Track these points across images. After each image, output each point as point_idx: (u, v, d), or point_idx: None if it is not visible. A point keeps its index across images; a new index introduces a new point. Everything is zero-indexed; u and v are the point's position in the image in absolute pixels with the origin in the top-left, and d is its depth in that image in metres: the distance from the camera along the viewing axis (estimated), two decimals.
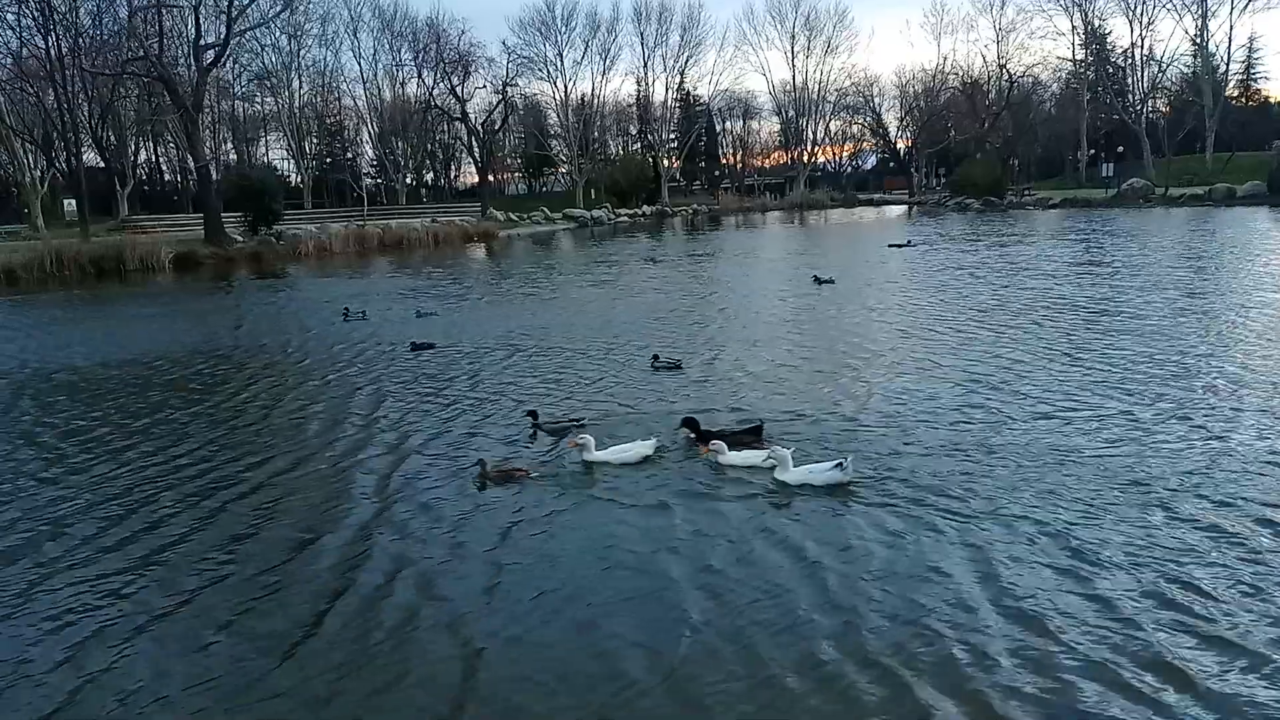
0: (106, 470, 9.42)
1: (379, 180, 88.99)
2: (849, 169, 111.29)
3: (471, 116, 77.55)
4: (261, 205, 47.44)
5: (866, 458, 8.51)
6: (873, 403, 10.76)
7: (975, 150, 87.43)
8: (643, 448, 8.88)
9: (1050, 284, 21.06)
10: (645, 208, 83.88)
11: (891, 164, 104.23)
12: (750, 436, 9.14)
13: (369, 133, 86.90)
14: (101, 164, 63.11)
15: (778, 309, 19.59)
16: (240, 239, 45.66)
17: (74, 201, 53.83)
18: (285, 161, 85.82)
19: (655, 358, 13.81)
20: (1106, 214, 49.91)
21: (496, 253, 45.39)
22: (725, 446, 8.63)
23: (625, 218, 76.68)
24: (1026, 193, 72.09)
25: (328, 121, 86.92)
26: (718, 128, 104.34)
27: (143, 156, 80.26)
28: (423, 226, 51.99)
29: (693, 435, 9.26)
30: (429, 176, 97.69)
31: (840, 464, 7.79)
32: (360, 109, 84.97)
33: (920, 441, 9.04)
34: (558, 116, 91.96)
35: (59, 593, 6.48)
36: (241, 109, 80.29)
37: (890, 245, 34.75)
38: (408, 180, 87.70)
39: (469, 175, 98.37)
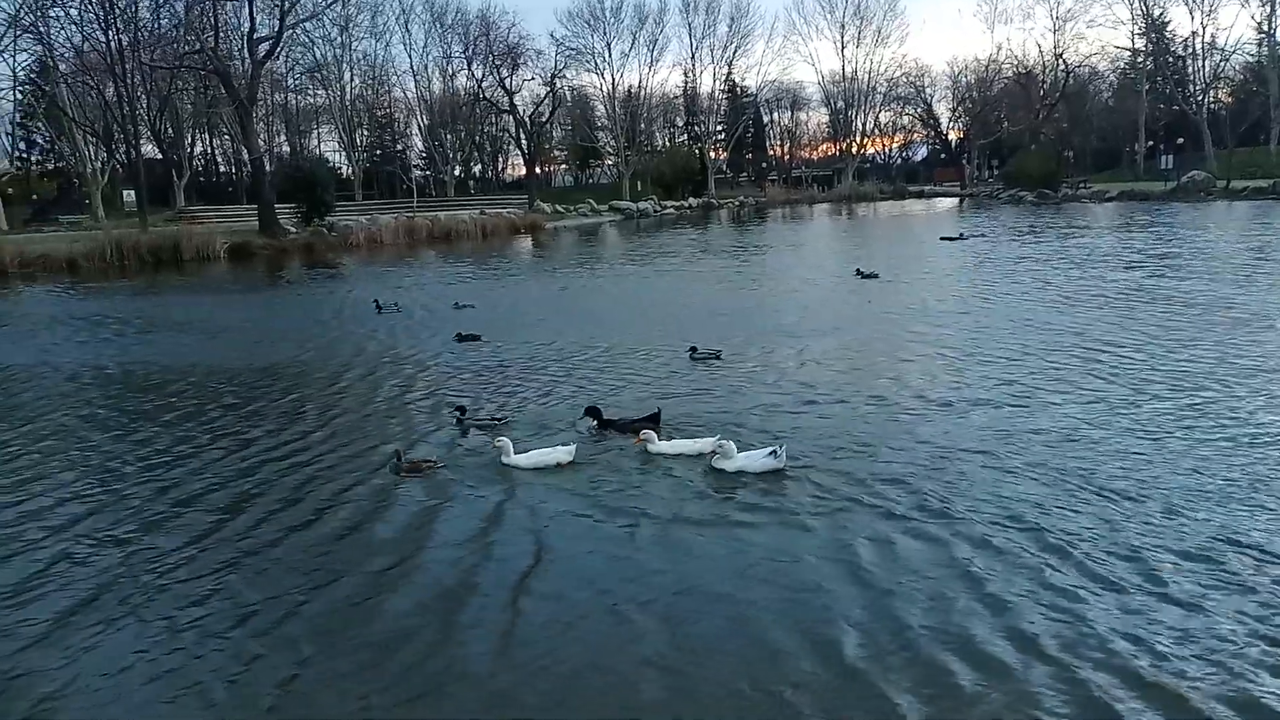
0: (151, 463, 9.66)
1: (428, 172, 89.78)
2: (899, 161, 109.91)
3: (519, 109, 77.90)
4: (314, 196, 48.14)
5: (875, 451, 8.45)
6: (900, 399, 10.64)
7: (1030, 142, 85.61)
8: (562, 453, 8.66)
9: (1111, 275, 20.61)
10: (691, 200, 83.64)
11: (943, 155, 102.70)
12: (648, 424, 9.36)
13: (418, 125, 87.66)
14: (159, 155, 64.50)
15: (819, 302, 19.45)
16: (293, 230, 46.38)
17: (133, 192, 55.09)
18: (337, 153, 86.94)
19: (694, 349, 13.80)
20: (1165, 207, 48.66)
21: (542, 244, 45.63)
22: (655, 435, 8.90)
23: (671, 210, 76.52)
24: (1082, 185, 70.51)
25: (378, 114, 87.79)
26: (765, 119, 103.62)
27: (199, 148, 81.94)
28: (470, 218, 52.42)
29: (595, 424, 9.70)
30: (477, 168, 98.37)
31: (774, 451, 8.11)
32: (410, 101, 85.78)
33: (937, 441, 8.92)
34: (605, 108, 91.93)
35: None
36: (294, 101, 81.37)
37: (942, 238, 34.27)
38: (456, 172, 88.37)
39: (516, 167, 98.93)
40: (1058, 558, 6.18)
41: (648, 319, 18.07)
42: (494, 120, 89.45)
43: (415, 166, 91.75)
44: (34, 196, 66.97)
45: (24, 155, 71.33)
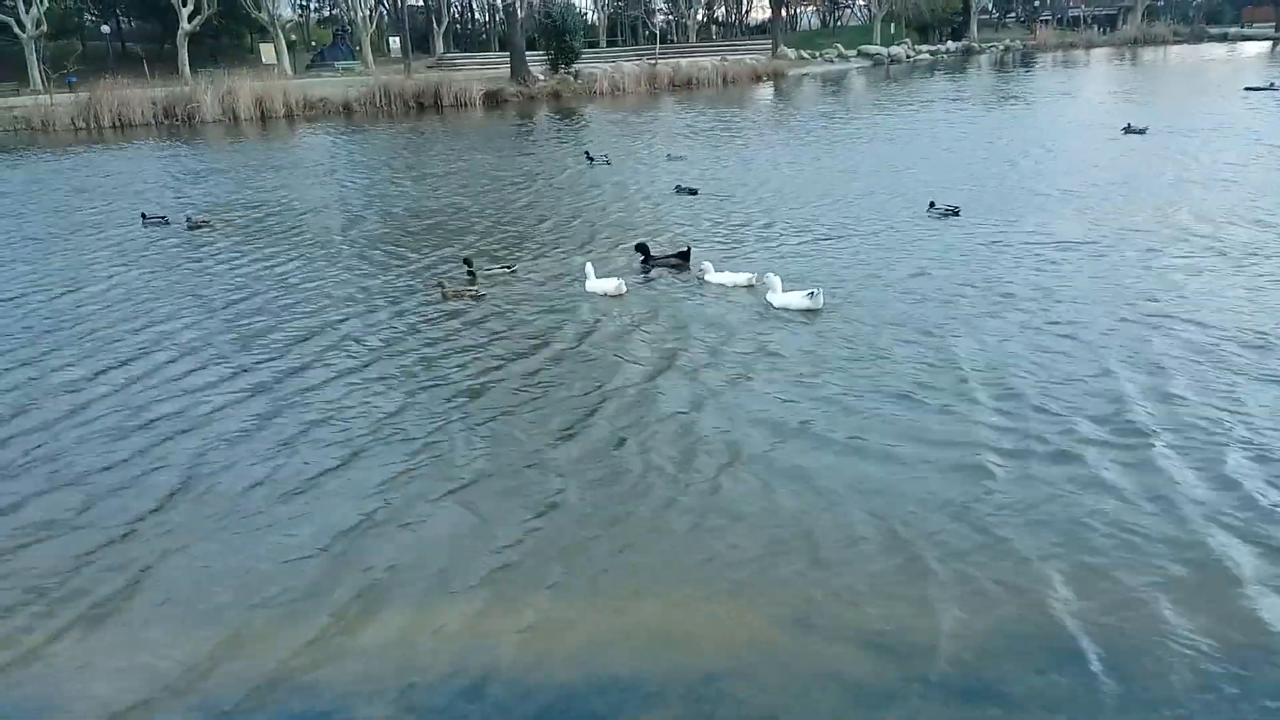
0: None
1: (670, 17, 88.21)
2: None
3: None
4: (562, 44, 48.86)
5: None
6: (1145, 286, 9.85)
7: None
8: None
9: None
10: (949, 44, 77.39)
11: None
12: (680, 259, 11.00)
13: None
14: (421, 3, 67.46)
15: (1077, 160, 17.91)
16: (541, 77, 47.57)
17: (397, 39, 58.29)
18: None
19: (932, 204, 13.34)
20: None
21: (783, 93, 44.27)
22: (712, 267, 10.27)
23: (926, 55, 71.24)
24: None
25: None
26: None
27: None
28: (711, 65, 51.47)
29: (644, 259, 11.20)
30: (720, 12, 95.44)
31: (811, 293, 9.07)
32: None
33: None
34: None
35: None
36: None
37: (1247, 89, 30.08)
38: (699, 17, 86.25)
39: (761, 10, 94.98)
40: None
41: (884, 172, 17.47)
42: None
43: (658, 10, 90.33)
44: (312, 44, 72.47)
45: (304, 4, 76.91)
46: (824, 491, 5.64)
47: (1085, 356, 7.59)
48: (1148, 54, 63.11)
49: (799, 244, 12.05)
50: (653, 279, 10.76)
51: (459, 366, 8.10)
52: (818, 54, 67.76)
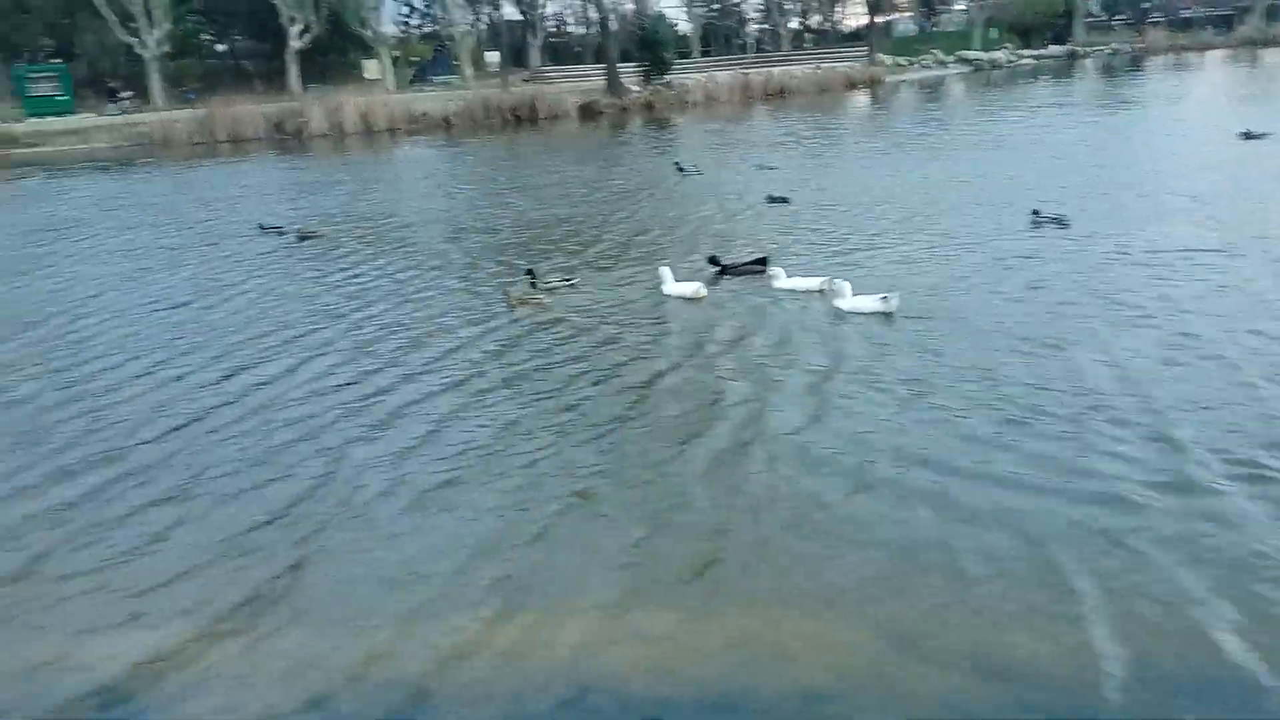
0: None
1: (763, 26, 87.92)
2: None
3: None
4: (655, 55, 49.22)
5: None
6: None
7: None
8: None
9: None
10: (1052, 48, 75.12)
11: None
12: (758, 265, 11.15)
13: None
14: (519, 17, 68.77)
15: (1187, 165, 17.25)
16: (635, 89, 48.00)
17: (495, 53, 59.63)
18: (676, 10, 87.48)
19: (1035, 212, 12.96)
20: None
21: (879, 100, 43.72)
22: (784, 273, 10.54)
23: (1028, 60, 69.34)
24: None
25: None
26: None
27: (550, 9, 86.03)
28: (804, 73, 51.17)
29: (717, 269, 11.36)
30: (814, 20, 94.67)
31: (885, 297, 9.12)
32: None
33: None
34: None
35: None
36: None
37: None
38: (792, 25, 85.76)
39: (856, 17, 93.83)
40: None
41: (985, 180, 17.08)
42: None
43: (751, 21, 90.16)
44: (413, 59, 74.56)
45: (406, 20, 79.18)
46: (951, 516, 5.41)
47: (1227, 376, 7.10)
48: (1268, 56, 60.03)
49: (895, 253, 11.88)
50: (729, 286, 10.88)
51: (556, 374, 8.26)
52: (914, 60, 66.68)
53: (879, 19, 78.83)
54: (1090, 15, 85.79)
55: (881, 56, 63.96)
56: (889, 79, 55.91)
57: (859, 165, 20.69)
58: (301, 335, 9.93)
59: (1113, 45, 75.86)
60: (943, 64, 66.62)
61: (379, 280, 12.42)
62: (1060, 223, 12.66)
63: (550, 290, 10.93)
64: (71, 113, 46.44)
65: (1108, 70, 55.91)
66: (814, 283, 10.27)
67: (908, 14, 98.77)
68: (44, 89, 47.71)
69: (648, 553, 5.30)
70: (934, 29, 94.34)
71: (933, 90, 48.73)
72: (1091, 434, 6.32)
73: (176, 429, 7.49)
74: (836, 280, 9.66)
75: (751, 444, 6.54)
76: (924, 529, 5.33)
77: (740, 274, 11.26)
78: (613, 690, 4.24)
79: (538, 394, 7.81)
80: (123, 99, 48.86)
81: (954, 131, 26.48)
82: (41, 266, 14.63)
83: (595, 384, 7.94)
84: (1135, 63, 61.94)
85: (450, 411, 7.50)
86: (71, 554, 5.64)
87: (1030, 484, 5.73)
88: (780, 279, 10.50)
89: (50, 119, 43.76)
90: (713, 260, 11.57)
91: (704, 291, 10.40)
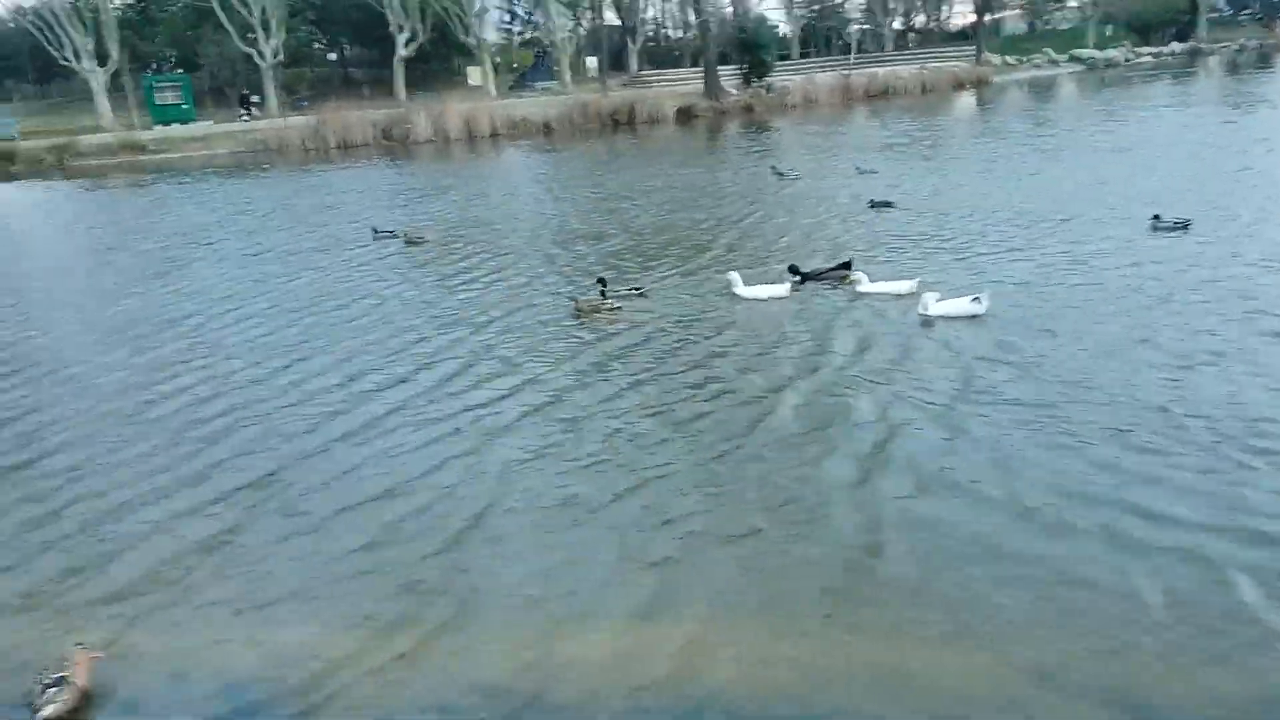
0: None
1: (865, 26, 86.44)
2: None
3: None
4: (755, 58, 48.87)
5: None
6: None
7: None
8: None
9: None
10: (1174, 45, 71.73)
11: None
12: (842, 270, 11.00)
13: None
14: (618, 22, 69.27)
15: None
16: (734, 92, 47.75)
17: (594, 59, 60.15)
18: (776, 11, 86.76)
19: (1156, 217, 12.33)
20: None
21: (986, 101, 42.43)
22: (866, 277, 10.49)
23: (1146, 58, 66.41)
24: None
25: None
26: None
27: (650, 13, 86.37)
28: (909, 74, 50.09)
29: (797, 278, 11.09)
30: (918, 19, 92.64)
31: (976, 299, 9.10)
32: None
33: None
34: None
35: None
36: None
37: None
38: (895, 25, 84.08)
39: (963, 15, 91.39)
40: None
41: (1100, 184, 16.37)
42: None
43: (853, 21, 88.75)
44: (514, 66, 75.85)
45: (508, 26, 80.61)
46: (1093, 552, 5.08)
47: None
48: None
49: (1006, 261, 11.46)
50: (812, 290, 10.80)
51: (663, 383, 8.23)
52: (1024, 59, 64.58)
53: (987, 17, 76.61)
54: (1215, 10, 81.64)
55: (989, 56, 62.15)
56: (997, 79, 54.28)
57: (966, 168, 20.06)
58: (415, 342, 10.06)
59: (1240, 41, 71.99)
60: (1055, 63, 64.30)
61: (483, 285, 12.59)
62: (1183, 228, 12.03)
63: (620, 299, 10.94)
64: (194, 120, 48.74)
65: (1233, 68, 53.05)
66: (903, 286, 10.21)
67: (1017, 11, 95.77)
68: (169, 98, 50.18)
69: (738, 569, 5.21)
70: (1045, 27, 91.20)
71: (1044, 91, 47.03)
72: (1243, 461, 5.91)
73: (306, 431, 7.68)
74: (925, 293, 9.50)
75: (873, 465, 6.35)
76: (1061, 563, 5.04)
77: (823, 280, 11.11)
78: (713, 706, 4.16)
79: (649, 406, 7.75)
80: (254, 104, 50.95)
81: (1066, 133, 25.46)
82: (178, 269, 15.29)
83: (705, 398, 7.80)
84: (1264, 59, 58.56)
85: (568, 420, 7.50)
86: (205, 557, 5.82)
87: (1178, 518, 5.36)
88: (864, 283, 10.41)
89: (174, 126, 46.02)
90: (792, 269, 11.35)
91: (784, 293, 10.50)
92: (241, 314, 11.96)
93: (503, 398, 8.12)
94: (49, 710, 4.29)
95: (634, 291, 11.22)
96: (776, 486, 6.12)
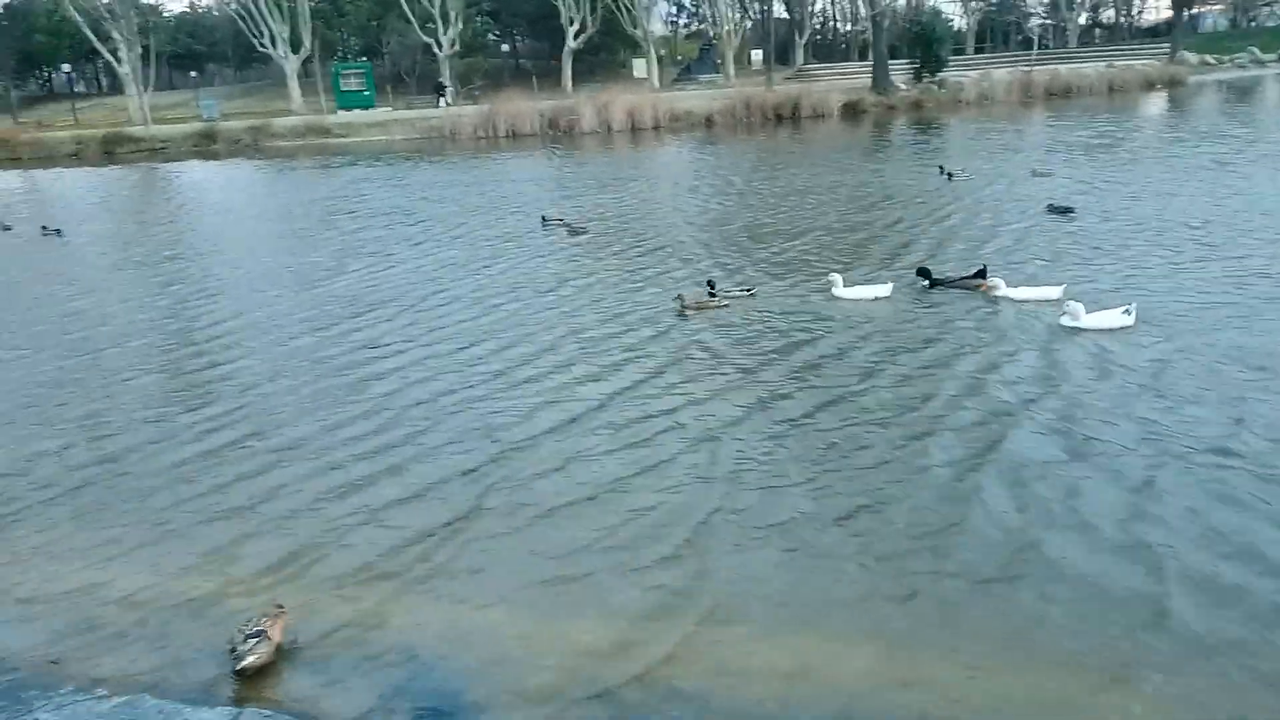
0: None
1: (1048, 21, 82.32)
2: None
3: None
4: (929, 53, 47.34)
5: None
6: None
7: None
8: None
9: None
10: None
11: None
12: (976, 279, 10.62)
13: None
14: (785, 15, 68.58)
15: None
16: (904, 87, 46.42)
17: (760, 52, 59.75)
18: (952, 4, 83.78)
19: None
20: None
21: (1180, 102, 39.54)
22: (1003, 283, 10.20)
23: None
24: None
25: None
26: None
27: (818, 5, 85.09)
28: (1095, 72, 47.34)
29: (925, 282, 10.90)
30: (1106, 14, 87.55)
31: (1127, 309, 8.86)
32: None
33: None
34: None
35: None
36: None
37: None
38: (1081, 20, 79.72)
39: (1156, 10, 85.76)
40: None
41: None
42: None
43: (1034, 15, 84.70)
44: (678, 58, 76.24)
45: (673, 19, 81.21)
46: (1243, 616, 4.61)
47: None
48: None
49: (1189, 278, 10.61)
50: (941, 297, 10.55)
51: (772, 379, 8.20)
52: (1225, 58, 59.86)
53: (1185, 14, 71.46)
54: None
55: (1185, 54, 57.97)
56: (1193, 79, 50.49)
57: (1153, 175, 18.72)
58: (620, 333, 10.12)
59: None
60: (1260, 63, 59.23)
61: (645, 277, 12.72)
62: None
63: (728, 297, 10.91)
64: (374, 106, 51.40)
65: None
66: (1050, 293, 9.91)
67: (1218, 7, 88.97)
68: (353, 84, 53.13)
69: (860, 584, 5.08)
70: (1250, 24, 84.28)
71: (1246, 93, 43.41)
72: None
73: (517, 421, 7.77)
74: (1069, 303, 9.14)
75: (988, 478, 6.11)
76: (1209, 620, 4.61)
77: (958, 287, 10.75)
78: None
79: (745, 402, 7.73)
80: (447, 92, 53.17)
81: (1268, 142, 23.37)
82: (380, 251, 16.00)
83: (821, 403, 7.61)
84: None
85: (715, 426, 7.45)
86: (418, 543, 6.08)
87: None
88: (1002, 288, 10.18)
89: (356, 111, 48.67)
90: (922, 272, 11.08)
91: (885, 294, 10.50)
92: (448, 295, 12.41)
93: (709, 399, 7.95)
94: (248, 660, 4.58)
95: (745, 291, 11.22)
96: (891, 498, 5.90)
